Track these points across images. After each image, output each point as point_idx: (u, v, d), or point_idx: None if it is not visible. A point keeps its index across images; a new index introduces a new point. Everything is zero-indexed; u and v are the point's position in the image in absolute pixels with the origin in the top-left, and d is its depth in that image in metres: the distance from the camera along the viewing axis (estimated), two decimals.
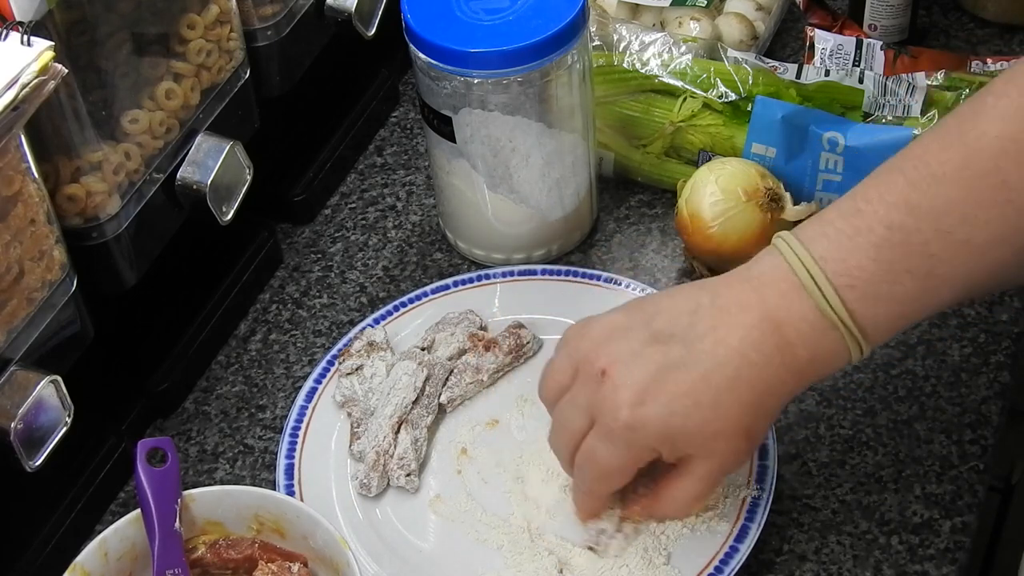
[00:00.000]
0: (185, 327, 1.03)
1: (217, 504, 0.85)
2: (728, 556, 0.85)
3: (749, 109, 1.05)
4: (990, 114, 0.74)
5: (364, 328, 1.00)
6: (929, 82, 1.09)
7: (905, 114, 1.05)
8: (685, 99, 1.07)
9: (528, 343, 0.98)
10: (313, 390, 0.97)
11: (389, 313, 1.02)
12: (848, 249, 0.76)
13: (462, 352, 0.97)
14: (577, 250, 1.08)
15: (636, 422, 0.78)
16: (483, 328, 0.99)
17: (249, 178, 0.96)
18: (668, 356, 0.78)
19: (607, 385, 0.79)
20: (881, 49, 1.15)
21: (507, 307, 1.02)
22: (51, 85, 0.76)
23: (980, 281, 0.77)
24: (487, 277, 1.03)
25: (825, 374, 0.80)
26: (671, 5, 1.18)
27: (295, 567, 0.83)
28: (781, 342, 0.77)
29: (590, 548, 0.87)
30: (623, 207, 1.11)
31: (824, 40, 1.17)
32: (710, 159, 1.06)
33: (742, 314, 0.77)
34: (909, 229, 0.74)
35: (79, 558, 0.81)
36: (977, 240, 0.74)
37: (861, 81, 1.08)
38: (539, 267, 1.04)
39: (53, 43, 0.76)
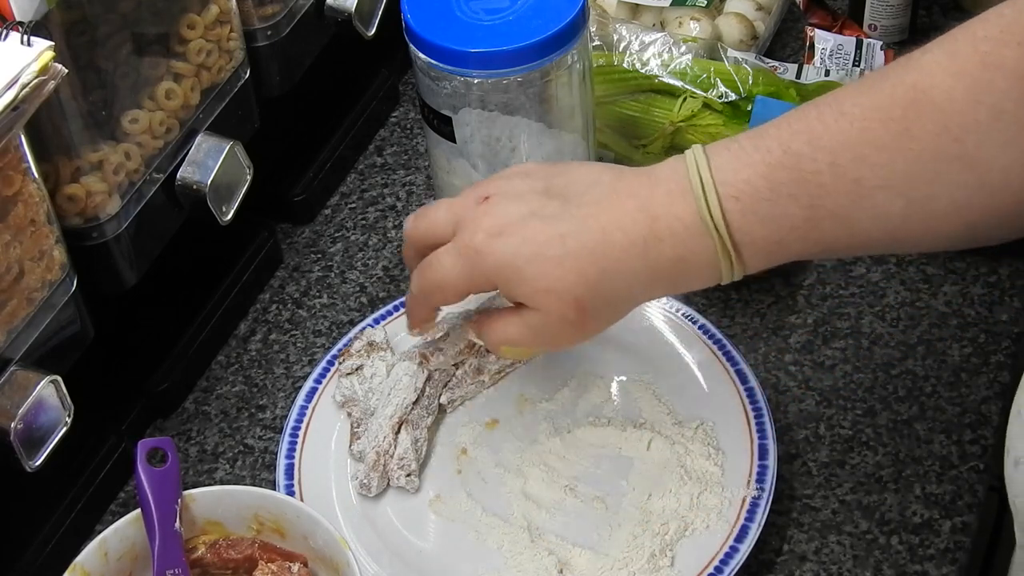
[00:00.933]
0: (185, 327, 1.03)
1: (217, 504, 0.85)
2: (728, 556, 0.85)
3: (749, 109, 1.05)
4: (912, 66, 0.75)
5: (364, 328, 1.00)
6: None
7: None
8: (685, 99, 1.07)
9: None
10: (313, 390, 0.97)
11: (389, 313, 1.02)
12: (743, 164, 0.76)
13: (463, 354, 0.97)
14: None
15: (484, 248, 0.80)
16: None
17: (249, 178, 0.96)
18: (545, 208, 0.80)
19: (480, 209, 0.81)
20: (881, 49, 1.15)
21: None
22: (51, 85, 0.76)
23: (864, 228, 0.76)
24: None
25: (687, 283, 0.80)
26: (671, 5, 1.18)
27: (295, 567, 0.83)
28: (650, 235, 0.77)
29: (423, 357, 0.94)
30: None
31: (824, 40, 1.17)
32: None
33: (627, 200, 0.79)
34: (804, 156, 0.75)
35: (79, 558, 0.81)
36: (867, 182, 0.74)
37: None
38: None
39: (53, 43, 0.76)
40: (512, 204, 0.81)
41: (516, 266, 0.79)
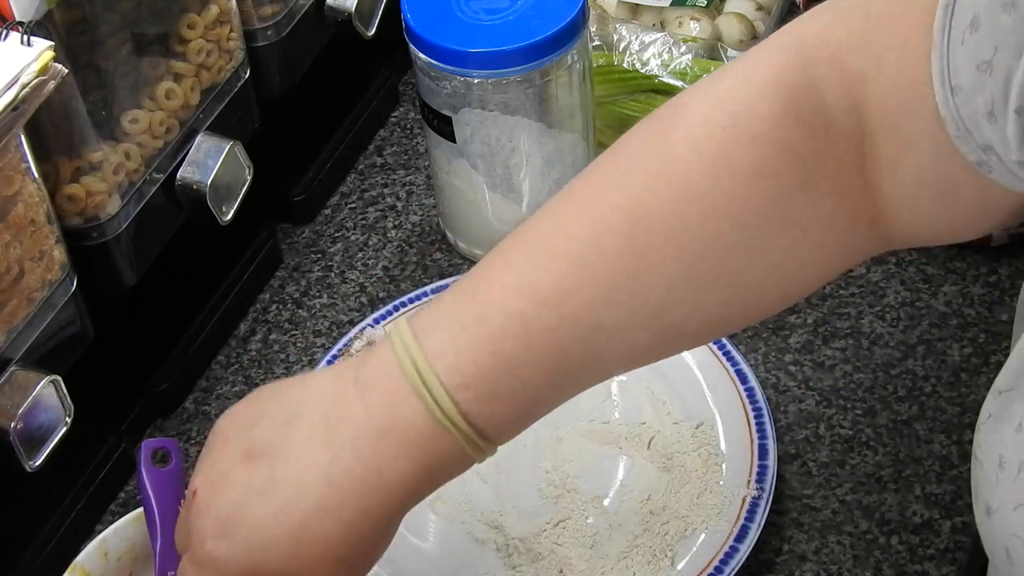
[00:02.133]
0: (185, 327, 1.03)
1: None
2: (728, 556, 0.85)
3: None
4: (623, 180, 0.66)
5: (364, 328, 1.00)
6: None
7: None
8: None
9: None
10: None
11: (389, 313, 1.02)
12: (463, 342, 0.65)
13: None
14: None
15: (220, 556, 0.69)
16: None
17: (249, 178, 0.96)
18: (253, 479, 0.68)
19: (195, 510, 0.71)
20: None
21: None
22: (51, 85, 0.76)
23: (612, 364, 0.70)
24: None
25: (442, 480, 0.69)
26: (671, 5, 1.18)
27: None
28: (384, 457, 0.66)
29: None
30: None
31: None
32: None
33: (344, 424, 0.67)
34: (530, 316, 0.65)
35: (79, 558, 0.81)
36: (607, 325, 0.66)
37: None
38: None
39: (53, 43, 0.76)
40: (221, 491, 0.69)
41: (259, 562, 0.68)
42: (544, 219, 0.68)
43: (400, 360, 0.66)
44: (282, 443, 0.68)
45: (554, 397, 0.69)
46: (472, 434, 0.66)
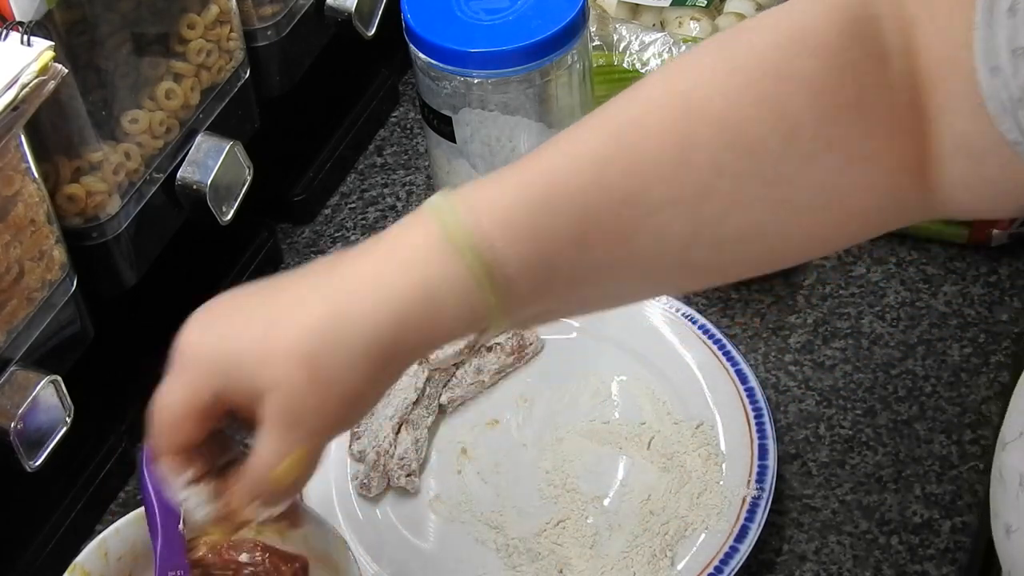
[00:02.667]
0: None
1: None
2: (728, 556, 0.85)
3: None
4: (690, 68, 0.68)
5: None
6: None
7: None
8: None
9: (531, 344, 0.98)
10: None
11: None
12: (495, 186, 0.65)
13: (463, 354, 0.97)
14: None
15: (189, 347, 0.67)
16: None
17: (249, 178, 0.96)
18: (250, 299, 0.68)
19: (189, 322, 0.69)
20: None
21: None
22: (51, 85, 0.76)
23: (641, 247, 0.66)
24: None
25: (442, 324, 0.64)
26: (671, 5, 1.18)
27: None
28: (381, 270, 0.64)
29: None
30: None
31: None
32: None
33: (348, 255, 0.66)
34: (564, 171, 0.65)
35: (79, 558, 0.81)
36: (644, 198, 0.64)
37: None
38: None
39: (53, 43, 0.76)
40: (215, 306, 0.69)
41: (229, 348, 0.66)
42: (610, 102, 0.68)
43: (427, 202, 0.65)
44: (271, 293, 0.67)
45: (575, 263, 0.65)
46: (480, 262, 0.62)
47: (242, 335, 0.65)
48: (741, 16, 1.18)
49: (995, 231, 1.02)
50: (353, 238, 1.12)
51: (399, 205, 1.14)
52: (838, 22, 0.65)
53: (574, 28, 0.96)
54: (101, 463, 0.95)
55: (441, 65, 0.96)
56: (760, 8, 1.20)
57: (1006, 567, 0.66)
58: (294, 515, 0.76)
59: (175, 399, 0.67)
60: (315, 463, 0.68)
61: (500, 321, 0.65)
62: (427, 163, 1.12)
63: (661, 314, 0.99)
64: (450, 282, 0.63)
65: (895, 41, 0.64)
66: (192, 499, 0.71)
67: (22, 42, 0.75)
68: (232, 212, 0.95)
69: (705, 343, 0.96)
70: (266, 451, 0.65)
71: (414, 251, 0.63)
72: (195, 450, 0.69)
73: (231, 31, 0.95)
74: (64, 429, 0.84)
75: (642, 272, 0.68)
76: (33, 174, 0.80)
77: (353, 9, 1.04)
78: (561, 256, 0.64)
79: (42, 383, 0.81)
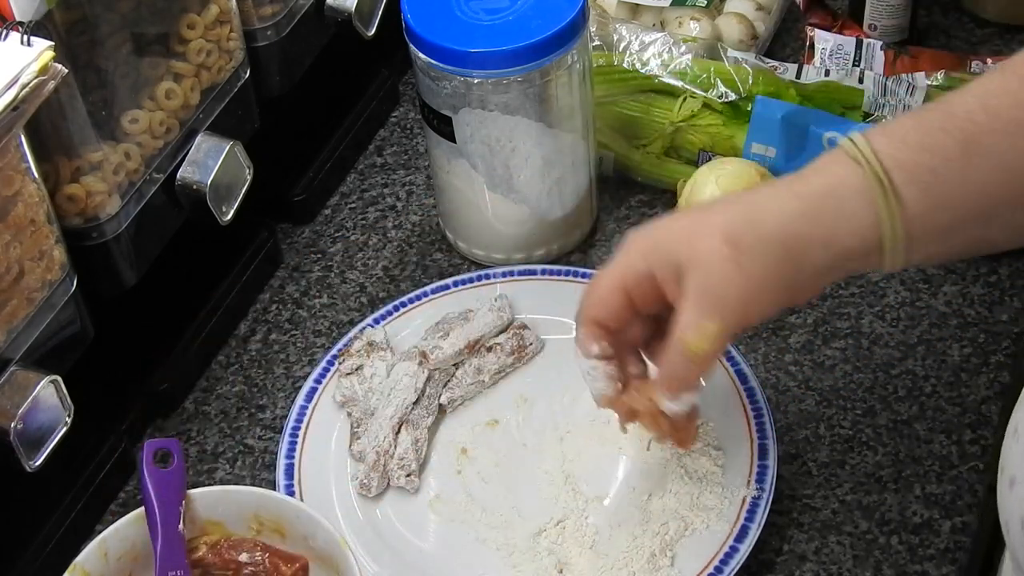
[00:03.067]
0: (185, 327, 1.03)
1: (217, 504, 0.85)
2: (728, 556, 0.85)
3: (749, 109, 1.05)
4: None
5: (364, 328, 1.00)
6: (929, 82, 1.09)
7: None
8: (685, 99, 1.07)
9: (531, 344, 0.98)
10: (313, 390, 0.97)
11: (389, 313, 1.02)
12: (900, 124, 0.74)
13: (463, 354, 0.97)
14: (577, 250, 1.08)
15: (638, 238, 0.78)
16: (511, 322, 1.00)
17: (249, 178, 0.96)
18: (683, 214, 0.80)
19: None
20: (881, 49, 1.15)
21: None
22: (51, 85, 0.76)
23: (1020, 171, 0.71)
24: (487, 277, 1.03)
25: (842, 223, 0.73)
26: (671, 5, 1.19)
27: None
28: (794, 177, 0.75)
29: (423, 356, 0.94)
30: (623, 207, 1.11)
31: (824, 40, 1.17)
32: (710, 159, 1.06)
33: (773, 185, 0.78)
34: (954, 101, 0.72)
35: (79, 558, 0.81)
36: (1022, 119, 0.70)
37: (861, 81, 1.08)
38: (539, 267, 1.04)
39: (53, 43, 0.76)
40: (664, 219, 0.80)
41: (663, 233, 0.77)
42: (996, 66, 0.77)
43: (841, 142, 0.74)
44: (699, 209, 0.80)
45: (962, 173, 0.71)
46: (878, 167, 0.71)
47: (673, 226, 0.77)
48: (741, 16, 1.18)
49: None
50: (353, 238, 1.12)
51: (399, 205, 1.14)
52: None
53: (574, 28, 0.96)
54: (101, 463, 0.95)
55: (441, 65, 0.96)
56: (760, 8, 1.20)
57: (1004, 518, 0.67)
58: (686, 431, 0.83)
59: (609, 273, 0.78)
60: (725, 344, 0.77)
61: (897, 231, 0.72)
62: (427, 163, 1.12)
63: None
64: (849, 184, 0.72)
65: None
66: (596, 371, 0.82)
67: (22, 42, 0.75)
68: (232, 212, 0.95)
69: None
70: (684, 323, 0.75)
71: (819, 165, 0.73)
72: (611, 334, 0.80)
73: (231, 31, 0.95)
74: (64, 429, 0.84)
75: (1018, 191, 0.73)
76: (33, 174, 0.80)
77: (353, 9, 1.04)
78: (947, 168, 0.71)
79: (42, 383, 0.81)
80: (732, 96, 1.06)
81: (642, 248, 0.78)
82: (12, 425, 0.80)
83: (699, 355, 0.76)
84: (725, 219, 0.74)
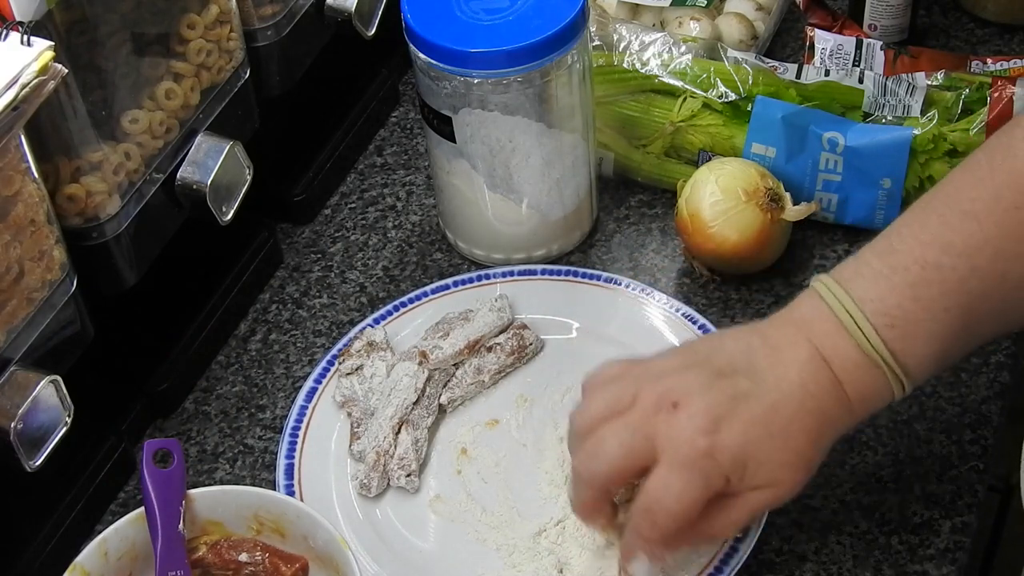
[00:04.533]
0: (185, 327, 1.03)
1: (217, 504, 0.85)
2: (728, 556, 0.85)
3: (749, 109, 1.05)
4: (1019, 147, 0.75)
5: (364, 328, 1.00)
6: (929, 82, 1.09)
7: (905, 114, 1.05)
8: (685, 99, 1.07)
9: (531, 344, 0.98)
10: (313, 390, 0.97)
11: (389, 313, 1.02)
12: (886, 289, 0.76)
13: (463, 354, 0.97)
14: (577, 250, 1.08)
15: (714, 448, 0.76)
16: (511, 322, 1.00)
17: (249, 178, 0.96)
18: (737, 388, 0.77)
19: (682, 415, 0.77)
20: (881, 49, 1.15)
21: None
22: (51, 85, 0.76)
23: (1016, 314, 0.78)
24: (487, 277, 1.03)
25: (869, 411, 0.79)
26: (671, 5, 1.18)
27: None
28: (833, 377, 0.77)
29: (422, 356, 0.94)
30: (623, 207, 1.11)
31: (824, 40, 1.17)
32: (710, 159, 1.06)
33: (794, 350, 0.78)
34: (945, 267, 0.75)
35: (79, 558, 0.81)
36: (1013, 274, 0.75)
37: (861, 81, 1.08)
38: (539, 267, 1.04)
39: (53, 43, 0.76)
40: (708, 397, 0.77)
41: (751, 453, 0.77)
42: (947, 185, 0.78)
43: (831, 305, 0.77)
44: (749, 365, 0.78)
45: (966, 342, 0.79)
46: (897, 369, 0.76)
47: (764, 442, 0.77)
48: (741, 16, 1.18)
49: None
50: (353, 238, 1.12)
51: (399, 205, 1.14)
52: None
53: (574, 28, 0.96)
54: (101, 463, 0.95)
55: (441, 65, 0.96)
56: (760, 8, 1.20)
57: None
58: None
59: (695, 499, 0.77)
60: None
61: (907, 390, 0.78)
62: (427, 163, 1.12)
63: (661, 314, 0.99)
64: (872, 387, 0.78)
65: None
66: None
67: (22, 42, 0.75)
68: (232, 212, 0.95)
69: None
70: (731, 524, 0.79)
71: (850, 368, 0.77)
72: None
73: (231, 31, 0.95)
74: (64, 429, 0.84)
75: (1018, 324, 0.82)
76: (33, 174, 0.80)
77: (353, 9, 1.04)
78: (955, 346, 0.78)
79: (42, 383, 0.81)
80: (732, 96, 1.06)
81: (723, 465, 0.76)
82: (12, 425, 0.80)
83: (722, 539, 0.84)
84: (806, 442, 0.77)
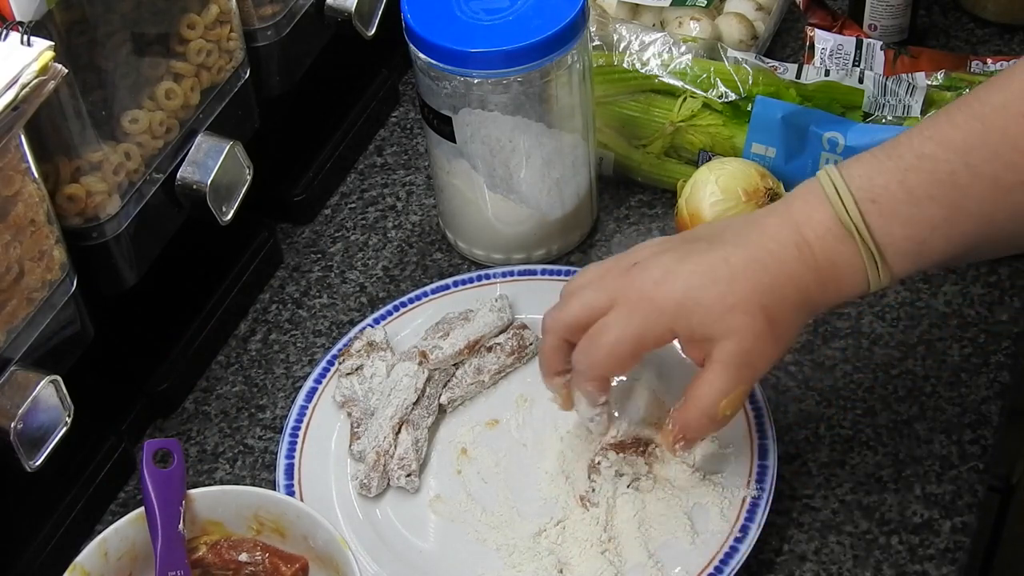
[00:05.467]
0: (185, 327, 1.03)
1: (217, 504, 0.85)
2: (728, 556, 0.85)
3: (749, 109, 1.05)
4: None
5: (364, 328, 1.00)
6: (929, 82, 1.09)
7: (905, 114, 1.05)
8: (685, 99, 1.07)
9: (531, 344, 0.98)
10: (313, 390, 0.97)
11: (389, 313, 1.02)
12: (877, 171, 0.78)
13: (463, 354, 0.97)
14: (577, 250, 1.08)
15: (656, 293, 0.80)
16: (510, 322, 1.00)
17: (249, 178, 0.96)
18: (694, 248, 0.81)
19: (635, 270, 0.81)
20: (881, 49, 1.15)
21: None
22: (51, 85, 0.76)
23: (1001, 222, 0.78)
24: (487, 277, 1.03)
25: (844, 289, 0.80)
26: (671, 5, 1.18)
27: None
28: (800, 240, 0.79)
29: (422, 356, 0.95)
30: (623, 207, 1.11)
31: (824, 40, 1.17)
32: (710, 159, 1.06)
33: (768, 219, 0.81)
34: (939, 159, 0.76)
35: (79, 558, 0.81)
36: (1004, 179, 0.75)
37: (861, 81, 1.08)
38: (539, 267, 1.04)
39: (53, 43, 0.76)
40: (664, 256, 0.81)
41: (693, 297, 0.79)
42: (967, 96, 0.79)
43: (820, 181, 0.79)
44: (719, 234, 0.81)
45: (947, 236, 0.78)
46: (871, 244, 0.78)
47: (708, 287, 0.79)
48: (741, 16, 1.18)
49: None
50: (353, 238, 1.12)
51: (399, 205, 1.14)
52: None
53: (574, 28, 0.96)
54: (101, 463, 0.95)
55: (441, 65, 0.96)
56: (760, 8, 1.20)
57: None
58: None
59: (626, 334, 0.81)
60: (744, 403, 0.86)
61: (883, 279, 0.79)
62: (427, 163, 1.12)
63: None
64: (845, 258, 0.79)
65: None
66: (600, 416, 0.87)
67: (22, 42, 0.75)
68: (232, 212, 0.95)
69: None
70: (716, 387, 0.80)
71: (822, 233, 0.79)
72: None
73: (231, 31, 0.95)
74: (64, 429, 0.84)
75: (1002, 247, 0.83)
76: (33, 174, 0.80)
77: (353, 9, 1.04)
78: (934, 235, 0.78)
79: (42, 383, 0.81)
80: (732, 96, 1.06)
81: (673, 313, 0.80)
82: (12, 425, 0.80)
83: (727, 417, 0.82)
84: (755, 288, 0.79)
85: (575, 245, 1.08)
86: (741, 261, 0.79)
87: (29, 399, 0.81)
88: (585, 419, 0.88)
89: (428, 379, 0.95)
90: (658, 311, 0.80)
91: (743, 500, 0.88)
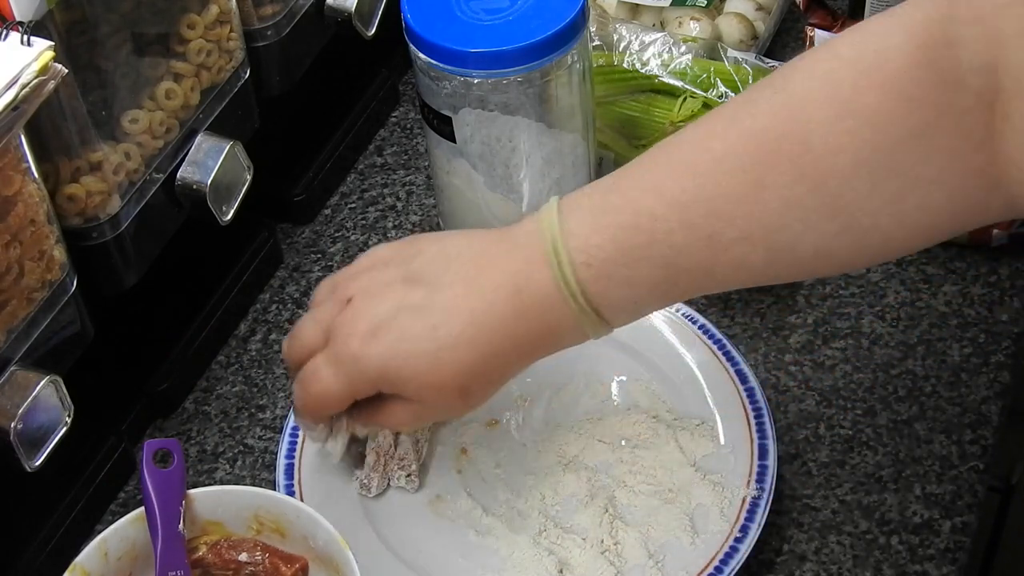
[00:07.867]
0: (185, 327, 1.03)
1: (217, 504, 0.85)
2: (728, 556, 0.85)
3: None
4: (762, 107, 0.73)
5: None
6: None
7: None
8: (685, 99, 1.07)
9: None
10: None
11: None
12: (593, 227, 0.76)
13: None
14: None
15: (361, 355, 0.79)
16: None
17: (249, 178, 0.96)
18: (408, 298, 0.79)
19: (348, 312, 0.80)
20: None
21: None
22: (51, 85, 0.76)
23: (723, 276, 0.76)
24: None
25: (560, 347, 0.80)
26: (671, 5, 1.19)
27: None
28: (516, 309, 0.77)
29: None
30: None
31: (824, 40, 1.17)
32: None
33: (490, 272, 0.78)
34: (656, 216, 0.74)
35: (79, 558, 0.81)
36: (723, 236, 0.73)
37: None
38: None
39: (53, 43, 0.76)
40: (377, 302, 0.80)
41: (395, 367, 0.78)
42: (692, 131, 0.76)
43: (543, 231, 0.77)
44: (440, 275, 0.79)
45: (665, 293, 0.77)
46: (587, 308, 0.76)
47: (409, 362, 0.78)
48: (741, 16, 1.18)
49: (995, 231, 1.02)
50: (353, 238, 1.12)
51: (399, 205, 1.14)
52: (912, 53, 0.69)
53: (574, 28, 0.96)
54: (101, 463, 0.95)
55: (441, 65, 0.96)
56: (760, 8, 1.20)
57: None
58: None
59: (336, 394, 0.81)
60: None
61: (603, 331, 0.79)
62: (427, 163, 1.12)
63: (661, 314, 0.98)
64: (562, 321, 0.78)
65: (972, 61, 0.67)
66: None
67: (22, 42, 0.75)
68: (232, 212, 0.95)
69: (705, 343, 0.96)
70: (396, 421, 0.82)
71: (537, 294, 0.77)
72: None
73: (231, 31, 0.95)
74: (64, 429, 0.84)
75: (726, 286, 0.82)
76: (33, 174, 0.80)
77: (353, 9, 1.04)
78: (651, 294, 0.77)
79: (42, 383, 0.81)
80: (732, 96, 1.06)
81: (368, 375, 0.79)
82: (12, 425, 0.80)
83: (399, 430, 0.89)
84: (457, 369, 0.78)
85: None
86: (448, 337, 0.77)
87: (29, 399, 0.81)
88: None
89: None
90: (361, 373, 0.79)
91: (743, 500, 0.88)
